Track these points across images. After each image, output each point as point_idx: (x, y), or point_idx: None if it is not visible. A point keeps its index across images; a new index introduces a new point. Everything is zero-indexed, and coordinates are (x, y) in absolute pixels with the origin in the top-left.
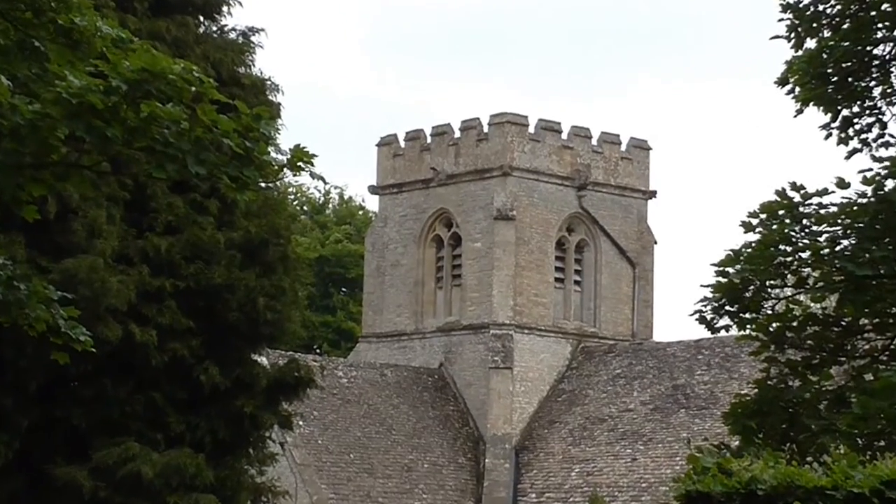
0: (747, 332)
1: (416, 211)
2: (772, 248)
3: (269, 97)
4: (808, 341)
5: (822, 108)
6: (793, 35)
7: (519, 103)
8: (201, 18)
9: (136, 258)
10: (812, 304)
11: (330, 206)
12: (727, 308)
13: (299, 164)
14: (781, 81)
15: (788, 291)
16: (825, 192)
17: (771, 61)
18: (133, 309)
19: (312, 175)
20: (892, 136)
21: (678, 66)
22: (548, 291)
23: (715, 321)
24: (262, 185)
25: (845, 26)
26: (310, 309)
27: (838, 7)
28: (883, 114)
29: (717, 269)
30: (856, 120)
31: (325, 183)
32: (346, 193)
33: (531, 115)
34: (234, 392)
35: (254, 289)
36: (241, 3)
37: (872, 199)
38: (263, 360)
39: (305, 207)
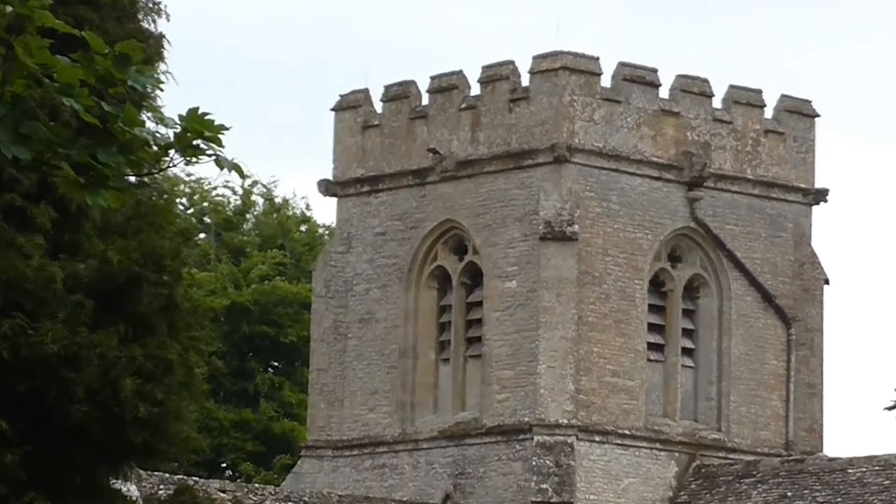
0: None
1: (404, 225)
2: None
3: (145, 24)
4: None
5: None
6: None
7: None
8: None
9: None
10: None
11: (251, 216)
12: None
13: (196, 142)
14: None
15: None
16: None
17: None
18: None
19: (220, 163)
20: None
21: None
22: (636, 368)
23: None
24: (132, 178)
25: None
26: (215, 398)
27: None
28: None
29: None
30: None
31: (243, 176)
32: (279, 194)
33: (605, 58)
34: None
35: (115, 363)
36: None
37: None
38: (132, 490)
39: (208, 219)
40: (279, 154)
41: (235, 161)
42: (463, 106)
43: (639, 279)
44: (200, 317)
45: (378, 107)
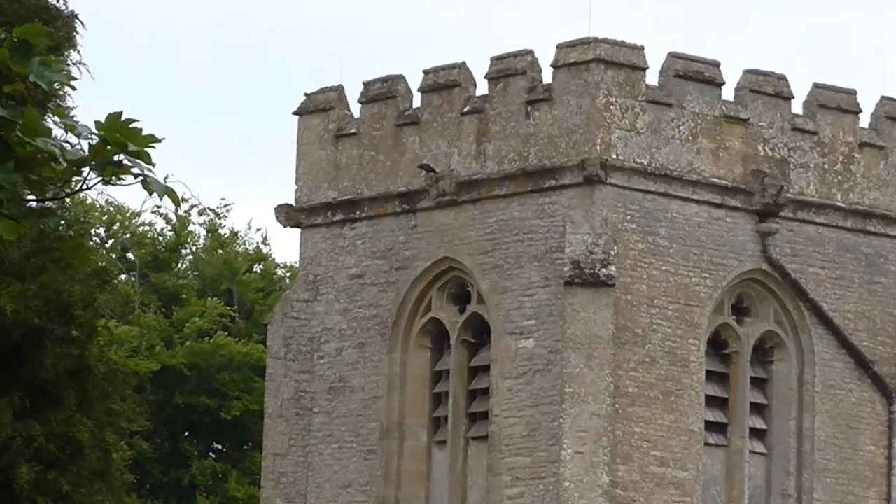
0: None
1: (388, 265)
2: None
3: (53, 1)
4: None
5: None
6: None
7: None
8: None
9: None
10: None
11: (189, 252)
12: None
13: (118, 157)
14: None
15: None
16: None
17: None
18: None
19: (149, 185)
20: None
21: None
22: (690, 454)
23: None
24: (33, 203)
25: None
26: (139, 491)
27: None
28: None
29: None
30: None
31: (178, 203)
32: (226, 224)
33: (652, 47)
34: None
35: (8, 444)
36: None
37: None
38: None
39: (132, 255)
40: (227, 171)
41: (169, 182)
42: (466, 109)
43: (694, 338)
44: (120, 384)
45: (356, 110)
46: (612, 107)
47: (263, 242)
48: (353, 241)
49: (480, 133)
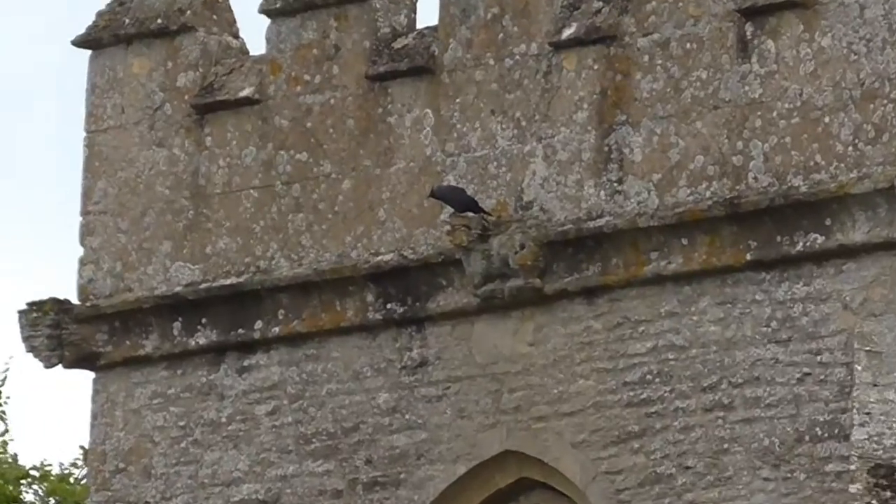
0: None
1: (341, 475)
2: None
3: None
4: None
5: None
6: None
7: None
8: None
9: None
10: None
11: None
12: None
13: None
14: None
15: None
16: None
17: None
18: None
19: None
20: None
21: None
22: None
23: None
24: None
25: None
26: None
27: None
28: None
29: None
30: None
31: None
32: None
33: None
34: None
35: None
36: None
37: None
38: None
39: None
40: None
41: None
42: (565, 35)
43: None
44: None
45: (254, 35)
46: None
47: (68, 470)
48: (246, 406)
49: (607, 103)
